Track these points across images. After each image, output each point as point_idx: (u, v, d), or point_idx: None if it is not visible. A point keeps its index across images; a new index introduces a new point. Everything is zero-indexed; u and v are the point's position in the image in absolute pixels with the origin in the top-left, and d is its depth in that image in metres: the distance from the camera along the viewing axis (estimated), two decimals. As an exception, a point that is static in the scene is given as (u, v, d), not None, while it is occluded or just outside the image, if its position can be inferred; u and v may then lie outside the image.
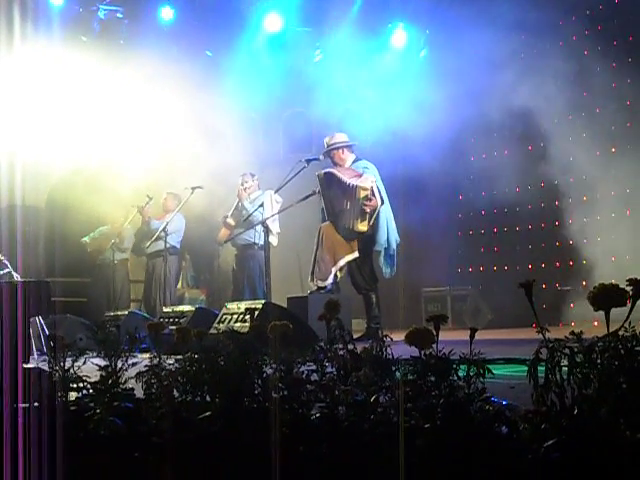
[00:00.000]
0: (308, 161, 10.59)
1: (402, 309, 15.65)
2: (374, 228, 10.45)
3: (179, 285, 14.84)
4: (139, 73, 13.57)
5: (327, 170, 10.61)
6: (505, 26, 13.06)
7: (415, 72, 15.81)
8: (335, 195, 10.46)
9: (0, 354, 4.56)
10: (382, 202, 10.39)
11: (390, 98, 15.20)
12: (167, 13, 14.66)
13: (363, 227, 10.34)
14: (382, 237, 10.47)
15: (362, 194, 10.25)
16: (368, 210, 10.25)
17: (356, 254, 10.42)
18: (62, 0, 13.89)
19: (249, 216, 11.95)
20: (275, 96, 15.46)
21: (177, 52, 13.73)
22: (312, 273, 10.48)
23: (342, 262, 10.42)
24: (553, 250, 14.18)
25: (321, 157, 10.78)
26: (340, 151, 10.69)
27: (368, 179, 10.34)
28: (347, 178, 10.40)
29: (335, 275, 10.43)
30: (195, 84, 13.49)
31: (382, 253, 10.54)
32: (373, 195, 10.27)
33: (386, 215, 10.54)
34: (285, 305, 10.07)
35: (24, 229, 12.33)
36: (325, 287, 10.34)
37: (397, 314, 15.39)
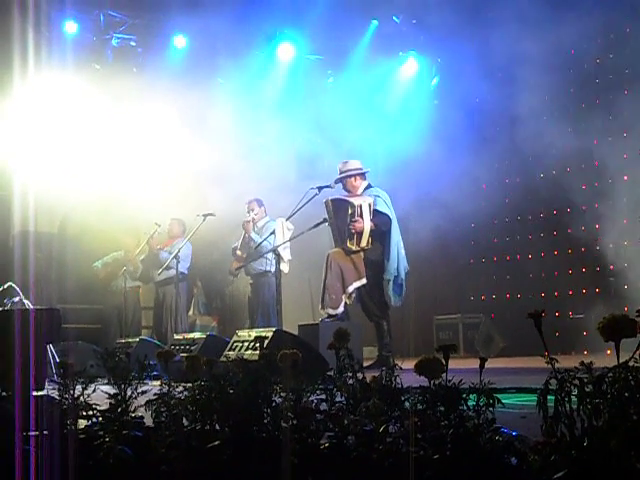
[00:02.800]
0: (320, 188, 10.56)
1: (413, 337, 15.59)
2: (384, 255, 10.43)
3: (190, 312, 14.84)
4: (152, 101, 13.66)
5: (335, 197, 10.63)
6: (519, 55, 13.13)
7: (426, 100, 15.90)
8: (341, 219, 10.46)
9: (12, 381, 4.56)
10: (378, 227, 10.35)
11: (402, 125, 15.29)
12: (180, 41, 14.78)
13: (351, 246, 10.34)
14: (392, 265, 10.44)
15: (350, 210, 10.29)
16: (353, 231, 10.27)
17: (364, 280, 10.40)
18: (76, 28, 14.02)
19: (258, 245, 11.96)
20: (287, 123, 15.53)
21: (189, 80, 13.81)
22: (322, 301, 10.46)
23: (350, 289, 10.40)
24: (566, 278, 14.12)
25: (333, 184, 10.77)
26: (353, 178, 10.69)
27: (361, 198, 10.37)
28: (348, 199, 10.46)
29: (345, 303, 10.41)
30: (207, 111, 13.56)
31: (391, 281, 10.49)
32: (360, 216, 10.25)
33: (397, 243, 10.52)
34: (296, 332, 10.05)
35: (37, 255, 12.36)
36: (336, 315, 10.31)
37: (409, 342, 15.34)
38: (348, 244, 10.34)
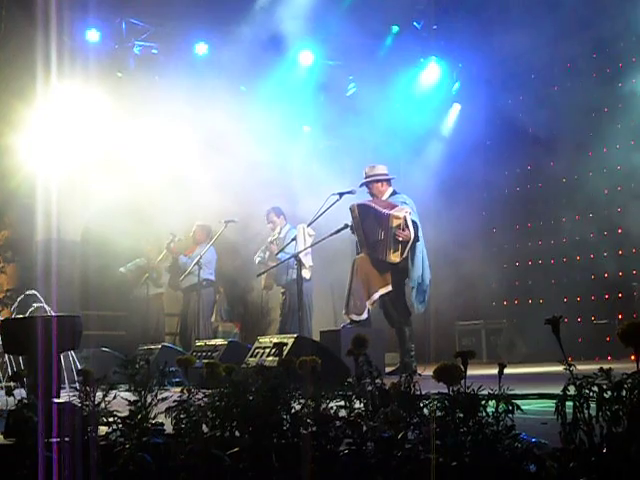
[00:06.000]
0: (341, 194, 10.52)
1: (436, 343, 15.53)
2: (410, 262, 10.34)
3: (213, 318, 14.83)
4: (174, 108, 13.68)
5: (361, 202, 10.57)
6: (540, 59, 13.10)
7: (448, 105, 15.89)
8: (370, 226, 10.39)
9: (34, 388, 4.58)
10: (417, 237, 10.29)
11: (423, 131, 15.27)
12: (201, 49, 14.81)
13: (395, 258, 10.22)
14: (417, 273, 10.35)
15: (395, 223, 10.16)
16: (401, 239, 10.12)
17: (389, 288, 10.32)
18: (98, 37, 14.08)
19: (281, 251, 11.92)
20: (308, 129, 15.58)
21: (211, 87, 13.84)
22: (347, 306, 10.40)
23: (376, 296, 10.33)
24: (589, 283, 14.02)
25: (355, 190, 10.69)
26: (380, 184, 10.63)
27: (403, 210, 10.27)
28: (382, 208, 10.37)
29: (368, 309, 10.37)
30: (229, 118, 13.58)
31: (415, 289, 10.42)
32: (407, 226, 10.16)
33: (422, 251, 10.45)
34: (318, 338, 10.04)
35: (60, 263, 12.41)
36: (360, 321, 10.27)
37: (431, 348, 15.29)
38: (392, 256, 10.17)
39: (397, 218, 10.18)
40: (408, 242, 10.18)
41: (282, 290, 12.78)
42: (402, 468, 2.75)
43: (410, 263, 10.35)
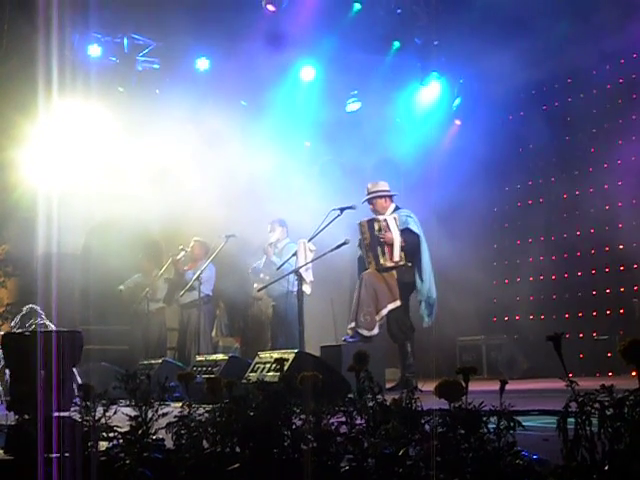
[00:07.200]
0: (341, 210, 10.53)
1: (436, 358, 15.48)
2: (418, 277, 10.39)
3: (213, 333, 14.81)
4: (174, 123, 13.71)
5: (370, 218, 10.63)
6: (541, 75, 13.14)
7: (448, 121, 15.91)
8: (375, 238, 10.48)
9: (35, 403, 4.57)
10: (419, 248, 10.36)
11: (423, 146, 15.29)
12: (203, 64, 14.85)
13: (385, 262, 10.36)
14: (425, 286, 10.42)
15: (377, 226, 10.38)
16: (382, 240, 10.29)
17: (398, 303, 10.36)
18: (100, 52, 14.13)
19: (280, 267, 11.92)
20: (309, 145, 15.59)
21: (212, 102, 13.87)
22: (355, 320, 10.39)
23: (384, 311, 10.36)
24: (590, 299, 14.02)
25: (354, 205, 10.70)
26: (383, 199, 10.73)
27: (386, 215, 10.43)
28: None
29: (379, 324, 10.40)
30: (230, 133, 13.61)
31: (424, 302, 10.47)
32: (388, 228, 10.31)
33: (429, 264, 10.50)
34: (318, 354, 10.01)
35: (60, 277, 12.40)
36: (370, 337, 10.29)
37: (431, 363, 15.24)
38: (381, 260, 10.36)
39: (377, 221, 10.42)
40: (392, 245, 10.27)
41: (272, 303, 12.78)
42: (403, 484, 2.75)
43: (417, 277, 10.42)
